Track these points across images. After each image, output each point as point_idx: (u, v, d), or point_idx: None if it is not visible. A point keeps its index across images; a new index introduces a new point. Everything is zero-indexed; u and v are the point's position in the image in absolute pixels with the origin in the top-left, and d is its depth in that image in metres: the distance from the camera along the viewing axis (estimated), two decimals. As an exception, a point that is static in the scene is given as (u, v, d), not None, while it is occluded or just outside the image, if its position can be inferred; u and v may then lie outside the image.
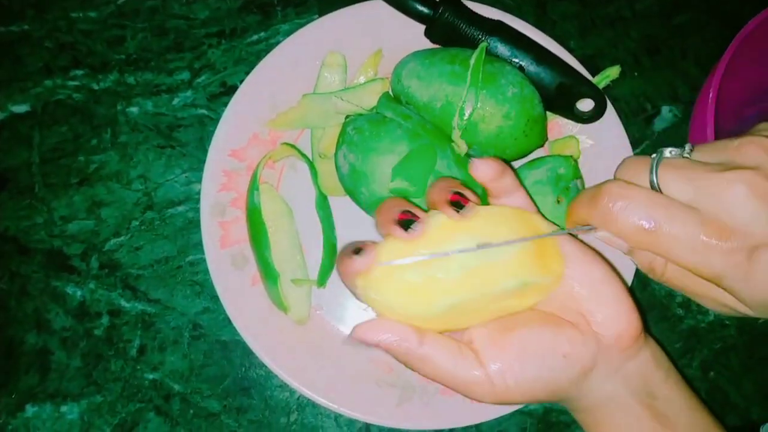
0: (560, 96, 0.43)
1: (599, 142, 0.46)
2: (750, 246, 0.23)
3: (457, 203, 0.26)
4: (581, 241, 0.29)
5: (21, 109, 0.47)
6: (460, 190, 0.27)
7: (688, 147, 0.26)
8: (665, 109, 0.50)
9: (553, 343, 0.27)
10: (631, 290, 0.43)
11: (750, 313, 0.26)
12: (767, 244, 0.23)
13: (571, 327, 0.28)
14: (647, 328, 0.29)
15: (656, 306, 0.47)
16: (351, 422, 0.44)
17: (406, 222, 0.26)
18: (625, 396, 0.28)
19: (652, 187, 0.25)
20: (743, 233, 0.23)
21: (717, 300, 0.26)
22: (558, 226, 0.29)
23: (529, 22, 0.46)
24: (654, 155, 0.26)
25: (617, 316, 0.27)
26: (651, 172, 0.25)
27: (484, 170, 0.28)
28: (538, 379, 0.27)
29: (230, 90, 0.47)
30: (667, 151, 0.26)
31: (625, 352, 0.28)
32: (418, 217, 0.26)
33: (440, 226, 0.27)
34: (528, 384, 0.27)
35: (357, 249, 0.26)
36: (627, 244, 0.26)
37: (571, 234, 0.28)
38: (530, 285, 0.27)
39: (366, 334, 0.26)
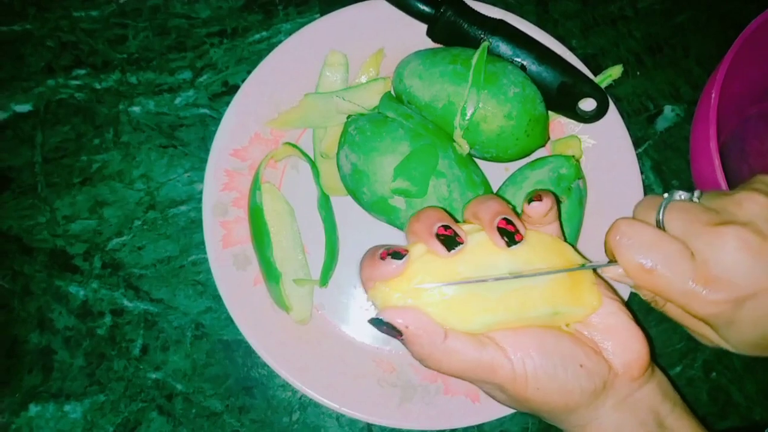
0: (562, 95, 0.43)
1: (601, 142, 0.46)
2: (735, 298, 0.26)
3: (506, 232, 0.27)
4: (597, 274, 0.30)
5: (23, 108, 0.47)
6: (511, 219, 0.27)
7: (697, 193, 0.29)
8: (667, 109, 0.50)
9: (571, 351, 0.27)
10: (633, 311, 0.44)
11: (735, 351, 0.28)
12: (751, 296, 0.26)
13: (586, 344, 0.28)
14: (655, 360, 0.30)
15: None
16: (353, 422, 0.44)
17: (448, 240, 0.26)
18: (633, 426, 0.28)
19: (658, 224, 0.28)
20: (729, 284, 0.26)
21: (706, 337, 0.29)
22: (583, 255, 0.30)
23: (530, 21, 0.45)
24: (666, 194, 0.29)
25: (627, 346, 0.28)
26: (658, 211, 0.28)
27: (542, 209, 0.29)
28: (554, 378, 0.27)
29: (232, 89, 0.47)
30: (678, 194, 0.29)
31: (634, 382, 0.29)
32: (461, 237, 0.26)
33: (480, 245, 0.27)
34: (545, 378, 0.27)
35: (394, 253, 0.26)
36: (632, 281, 0.28)
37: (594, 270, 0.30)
38: (562, 314, 0.28)
39: (397, 315, 0.26)
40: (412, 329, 0.26)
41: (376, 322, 0.26)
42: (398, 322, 0.26)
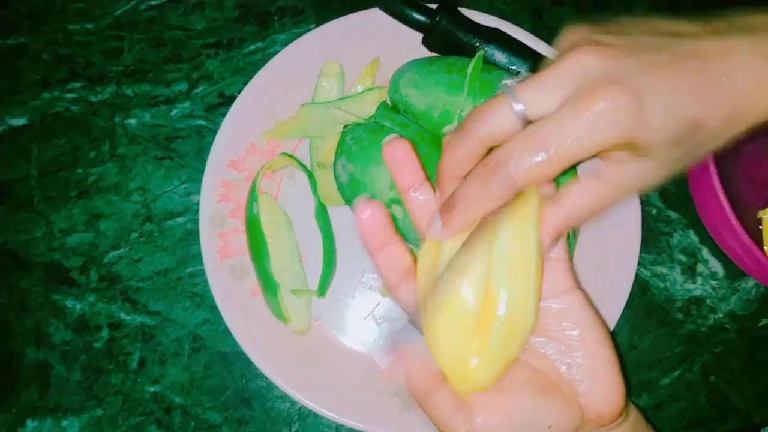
0: (558, 103, 0.43)
1: (597, 148, 0.46)
2: (630, 90, 0.23)
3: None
4: (598, 313, 0.29)
5: (19, 122, 0.47)
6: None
7: (523, 69, 0.27)
8: (662, 114, 0.50)
9: (543, 413, 0.27)
10: (631, 295, 0.44)
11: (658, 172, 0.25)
12: (636, 77, 0.23)
13: (562, 397, 0.27)
14: (630, 397, 0.30)
15: (656, 311, 0.48)
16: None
17: None
18: None
19: (521, 116, 0.25)
20: (612, 83, 0.23)
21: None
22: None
23: (525, 29, 0.46)
24: (499, 90, 0.26)
25: (606, 399, 0.28)
26: (510, 102, 0.25)
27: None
28: None
29: (228, 100, 0.47)
30: (509, 82, 0.26)
31: (602, 428, 0.28)
32: None
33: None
34: None
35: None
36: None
37: (591, 303, 0.29)
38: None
39: (407, 363, 0.26)
40: (412, 378, 0.26)
41: (392, 345, 0.26)
42: (406, 368, 0.26)
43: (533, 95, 0.25)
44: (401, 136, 0.40)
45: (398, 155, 0.29)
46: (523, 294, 0.26)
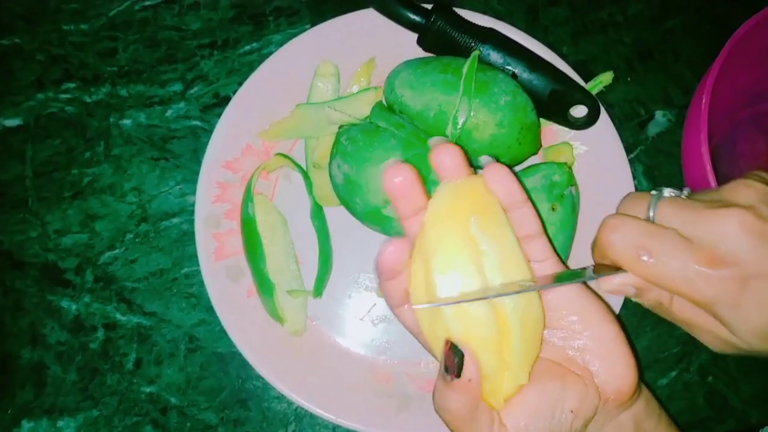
0: (553, 103, 0.43)
1: (593, 148, 0.46)
2: (740, 276, 0.25)
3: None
4: (597, 295, 0.30)
5: (13, 123, 0.47)
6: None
7: (686, 190, 0.28)
8: (659, 114, 0.50)
9: (562, 399, 0.27)
10: (623, 324, 0.44)
11: (742, 345, 0.27)
12: (757, 276, 0.25)
13: (577, 380, 0.28)
14: (642, 378, 0.30)
15: (652, 312, 0.47)
16: (349, 432, 0.44)
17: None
18: None
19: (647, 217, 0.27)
20: (734, 264, 0.25)
21: (714, 333, 0.27)
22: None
23: (521, 29, 0.46)
24: (654, 192, 0.28)
25: (620, 375, 0.28)
26: (649, 208, 0.27)
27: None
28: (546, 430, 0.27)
29: (223, 101, 0.47)
30: (667, 191, 0.28)
31: (622, 405, 0.29)
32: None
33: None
34: None
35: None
36: (633, 288, 0.28)
37: (585, 284, 0.29)
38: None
39: (471, 364, 0.26)
40: (472, 383, 0.26)
41: (452, 353, 0.26)
42: (469, 371, 0.25)
43: (669, 220, 0.27)
44: (396, 136, 0.40)
45: (397, 179, 0.28)
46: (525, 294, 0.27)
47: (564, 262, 0.42)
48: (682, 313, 0.28)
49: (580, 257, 0.43)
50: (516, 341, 0.27)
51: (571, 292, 0.29)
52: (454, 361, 0.25)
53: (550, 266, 0.29)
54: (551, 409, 0.27)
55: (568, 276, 0.28)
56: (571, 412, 0.27)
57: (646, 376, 0.47)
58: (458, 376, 0.25)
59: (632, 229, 0.27)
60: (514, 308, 0.26)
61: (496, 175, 0.28)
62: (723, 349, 0.28)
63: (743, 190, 0.26)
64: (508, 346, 0.27)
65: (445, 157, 0.28)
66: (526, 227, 0.28)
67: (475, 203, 0.27)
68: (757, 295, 0.25)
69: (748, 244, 0.25)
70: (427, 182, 0.39)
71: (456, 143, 0.40)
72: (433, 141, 0.29)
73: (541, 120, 0.44)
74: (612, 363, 0.28)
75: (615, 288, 0.28)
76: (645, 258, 0.26)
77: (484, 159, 0.29)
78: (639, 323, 0.47)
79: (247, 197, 0.42)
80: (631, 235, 0.26)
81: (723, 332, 0.27)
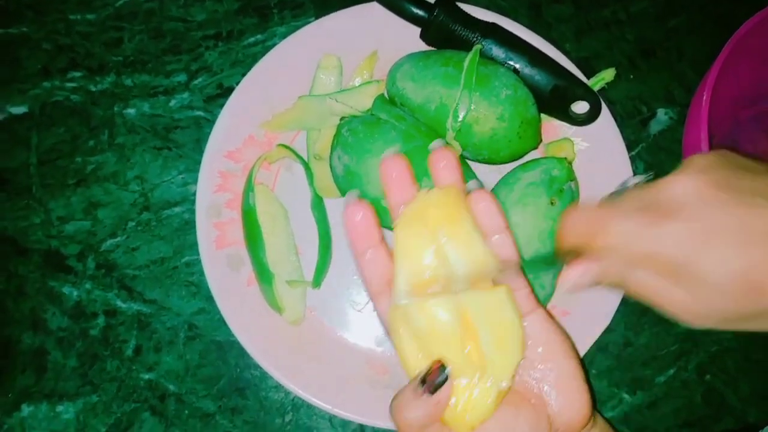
0: (555, 98, 0.43)
1: (594, 145, 0.46)
2: (697, 228, 0.24)
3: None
4: (562, 328, 0.31)
5: (19, 110, 0.47)
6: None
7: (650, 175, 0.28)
8: (661, 112, 0.50)
9: (513, 425, 0.28)
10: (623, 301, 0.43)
11: (706, 310, 0.26)
12: (716, 231, 0.24)
13: (530, 408, 0.29)
14: (596, 407, 0.31)
15: (652, 308, 0.47)
16: (345, 423, 0.44)
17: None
18: None
19: None
20: (688, 216, 0.24)
21: (675, 300, 0.26)
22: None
23: (523, 25, 0.46)
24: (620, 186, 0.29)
25: (574, 408, 0.29)
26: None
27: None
28: None
29: (227, 92, 0.47)
30: (631, 180, 0.29)
31: None
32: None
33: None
34: None
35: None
36: (592, 275, 0.27)
37: (551, 316, 0.31)
38: None
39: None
40: (435, 406, 0.27)
41: (442, 370, 0.27)
42: (441, 393, 0.27)
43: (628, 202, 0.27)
44: (397, 128, 0.40)
45: (393, 173, 0.30)
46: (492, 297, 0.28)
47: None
48: (645, 283, 0.27)
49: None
50: (486, 341, 0.27)
51: (537, 323, 0.30)
52: (436, 380, 0.27)
53: (524, 296, 0.30)
54: None
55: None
56: None
57: (643, 373, 0.47)
58: (431, 393, 0.27)
59: (589, 211, 0.27)
60: (477, 308, 0.28)
61: (482, 201, 0.29)
62: (691, 318, 0.27)
63: (687, 164, 0.27)
64: (477, 347, 0.27)
65: (440, 161, 0.30)
66: (503, 253, 0.29)
67: (449, 213, 0.29)
68: (718, 250, 0.24)
69: (699, 199, 0.25)
70: (428, 174, 0.39)
71: (456, 136, 0.41)
72: (433, 145, 0.31)
73: (543, 116, 0.44)
74: (568, 397, 0.29)
75: (576, 280, 0.28)
76: (604, 231, 0.26)
77: (471, 184, 0.30)
78: (638, 321, 0.47)
79: (249, 187, 0.43)
80: (588, 215, 0.27)
81: (685, 299, 0.26)
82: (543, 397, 0.29)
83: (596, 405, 0.31)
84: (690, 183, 0.25)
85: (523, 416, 0.28)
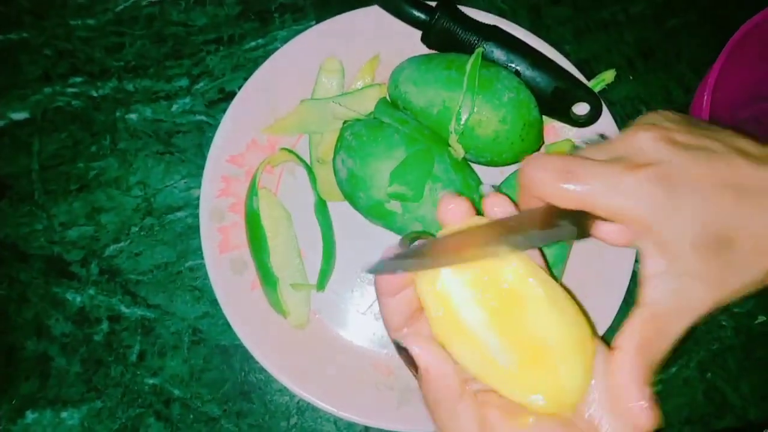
0: (556, 100, 0.44)
1: (595, 146, 0.46)
2: (665, 177, 0.24)
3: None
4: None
5: (20, 116, 0.47)
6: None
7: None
8: (660, 112, 0.50)
9: None
10: (628, 291, 0.44)
11: (678, 267, 0.25)
12: (684, 183, 0.24)
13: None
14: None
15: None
16: (350, 425, 0.45)
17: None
18: None
19: None
20: (655, 164, 0.24)
21: (648, 266, 0.25)
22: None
23: (524, 27, 0.46)
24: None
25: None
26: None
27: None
28: None
29: (229, 96, 0.47)
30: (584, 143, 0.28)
31: None
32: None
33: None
34: None
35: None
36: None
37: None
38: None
39: (422, 352, 0.25)
40: (431, 375, 0.25)
41: (399, 348, 0.25)
42: (421, 359, 0.25)
43: (591, 154, 0.26)
44: (400, 131, 0.40)
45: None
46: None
47: (564, 259, 0.42)
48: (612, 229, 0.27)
49: (580, 255, 0.44)
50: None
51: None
52: (404, 355, 0.25)
53: None
54: None
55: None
56: None
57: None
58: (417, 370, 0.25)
59: (553, 160, 0.26)
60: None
61: (497, 206, 0.27)
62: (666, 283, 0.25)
63: (644, 118, 0.27)
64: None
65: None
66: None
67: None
68: (688, 202, 0.24)
69: (663, 148, 0.24)
70: (433, 177, 0.39)
71: (459, 139, 0.41)
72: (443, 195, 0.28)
73: (544, 117, 0.44)
74: (622, 421, 0.25)
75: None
76: (569, 184, 0.25)
77: (485, 187, 0.28)
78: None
79: (252, 191, 0.43)
80: (552, 164, 0.25)
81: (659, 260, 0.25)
82: (593, 422, 0.25)
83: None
84: (655, 134, 0.25)
85: None
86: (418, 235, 0.26)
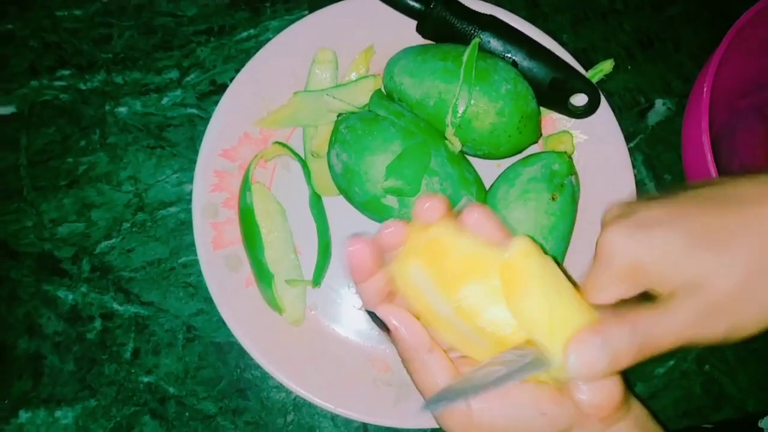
0: (554, 91, 0.43)
1: (593, 137, 0.45)
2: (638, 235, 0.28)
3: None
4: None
5: (7, 111, 0.46)
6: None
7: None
8: (659, 103, 0.50)
9: (534, 399, 0.27)
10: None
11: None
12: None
13: (552, 388, 0.27)
14: (632, 390, 0.30)
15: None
16: (348, 422, 0.44)
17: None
18: None
19: None
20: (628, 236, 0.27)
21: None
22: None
23: (521, 16, 0.45)
24: None
25: (599, 388, 0.27)
26: None
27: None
28: (511, 429, 0.27)
29: (220, 88, 0.47)
30: None
31: (604, 421, 0.28)
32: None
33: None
34: (500, 429, 0.27)
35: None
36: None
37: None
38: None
39: (390, 314, 0.27)
40: (400, 331, 0.27)
41: (371, 314, 0.27)
42: (391, 320, 0.27)
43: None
44: (395, 124, 0.39)
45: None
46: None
47: (563, 252, 0.42)
48: None
49: (580, 247, 0.43)
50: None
51: None
52: (377, 321, 0.27)
53: None
54: (522, 406, 0.27)
55: None
56: (542, 414, 0.27)
57: (643, 364, 0.46)
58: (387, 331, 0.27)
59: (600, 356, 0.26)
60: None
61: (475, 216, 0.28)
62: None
63: (613, 209, 0.29)
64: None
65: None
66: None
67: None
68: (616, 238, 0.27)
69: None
70: (430, 170, 0.39)
71: (456, 132, 0.40)
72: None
73: (541, 109, 0.44)
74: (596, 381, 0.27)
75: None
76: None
77: (465, 200, 0.29)
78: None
79: (245, 186, 0.42)
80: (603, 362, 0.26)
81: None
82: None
83: (632, 390, 0.29)
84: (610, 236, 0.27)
85: (545, 394, 0.27)
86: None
